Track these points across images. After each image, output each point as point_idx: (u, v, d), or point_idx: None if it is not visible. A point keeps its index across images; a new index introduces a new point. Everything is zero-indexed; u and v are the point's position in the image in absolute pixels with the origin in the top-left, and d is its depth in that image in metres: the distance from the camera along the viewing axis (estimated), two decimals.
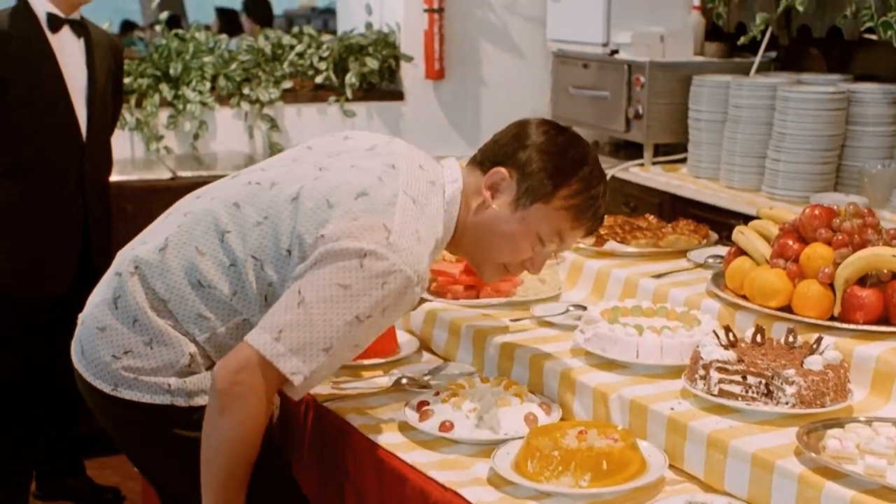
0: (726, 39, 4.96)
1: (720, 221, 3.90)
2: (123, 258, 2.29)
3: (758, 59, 4.73)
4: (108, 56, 3.90)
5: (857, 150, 4.12)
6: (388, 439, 2.29)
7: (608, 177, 4.69)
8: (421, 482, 2.12)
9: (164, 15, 5.51)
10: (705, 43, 5.03)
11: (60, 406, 4.00)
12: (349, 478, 2.34)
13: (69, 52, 3.75)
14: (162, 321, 2.20)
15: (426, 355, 2.78)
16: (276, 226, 2.16)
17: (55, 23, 3.71)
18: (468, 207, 2.28)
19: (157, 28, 5.52)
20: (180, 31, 5.46)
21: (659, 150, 4.94)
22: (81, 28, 3.79)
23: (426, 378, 2.57)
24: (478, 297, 2.81)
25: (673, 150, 4.89)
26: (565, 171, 2.24)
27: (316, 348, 2.06)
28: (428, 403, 2.37)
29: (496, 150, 2.30)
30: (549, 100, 5.48)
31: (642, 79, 4.75)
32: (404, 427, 2.33)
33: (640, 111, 4.77)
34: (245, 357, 2.07)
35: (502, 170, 2.25)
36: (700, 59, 4.90)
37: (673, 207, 4.55)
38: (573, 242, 2.36)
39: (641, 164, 4.87)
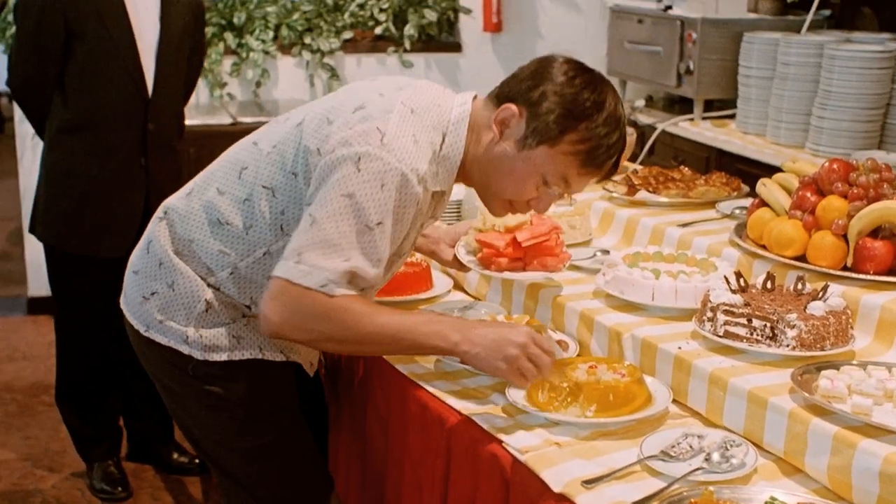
0: None
1: (765, 176, 3.96)
2: (163, 206, 2.41)
3: (809, 17, 4.76)
4: (186, 13, 3.80)
5: None
6: (413, 369, 2.44)
7: (658, 130, 4.85)
8: (440, 408, 2.27)
9: None
10: (759, 0, 5.07)
11: (132, 367, 4.06)
12: (375, 404, 2.50)
13: (143, 7, 3.67)
14: (183, 264, 2.31)
15: (459, 294, 2.92)
16: (283, 152, 2.23)
17: None
18: (479, 140, 2.25)
19: None
20: None
21: (712, 105, 5.00)
22: None
23: (456, 315, 2.71)
24: (524, 270, 2.70)
25: (725, 105, 4.95)
26: (575, 117, 2.17)
27: (335, 259, 2.09)
28: None
29: (513, 86, 2.24)
30: (604, 54, 5.56)
31: (694, 35, 4.81)
32: (429, 358, 2.47)
33: (691, 67, 4.84)
34: (277, 287, 2.12)
35: (513, 107, 2.20)
36: (753, 16, 4.94)
37: (720, 162, 4.63)
38: (582, 187, 2.30)
39: (691, 119, 4.94)
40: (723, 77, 4.84)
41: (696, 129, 4.83)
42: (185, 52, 3.83)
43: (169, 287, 2.32)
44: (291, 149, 2.22)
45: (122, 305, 2.45)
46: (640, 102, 5.31)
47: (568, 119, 2.17)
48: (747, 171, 4.15)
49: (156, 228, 2.38)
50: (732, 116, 4.84)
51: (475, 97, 2.31)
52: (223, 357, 2.32)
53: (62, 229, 3.76)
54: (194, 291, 2.30)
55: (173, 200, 2.39)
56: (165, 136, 3.80)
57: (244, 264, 2.27)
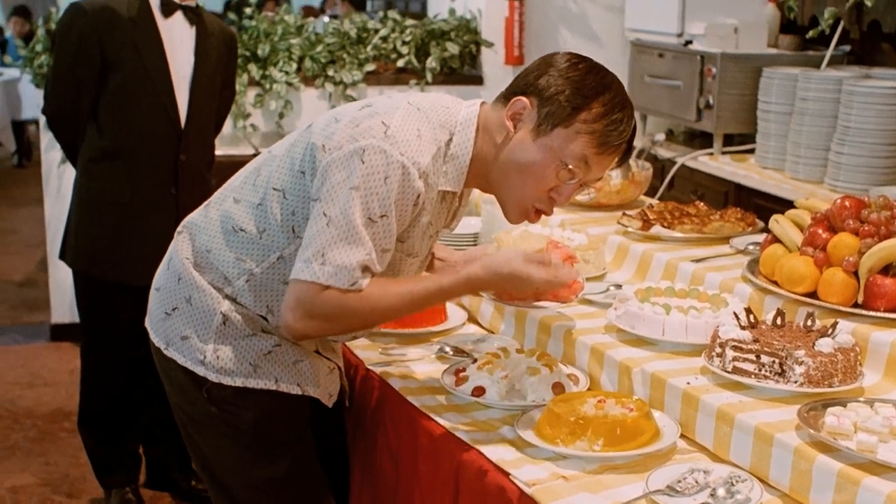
0: (800, 32, 5.01)
1: (782, 211, 3.98)
2: (182, 223, 2.46)
3: (829, 53, 4.78)
4: (220, 47, 3.86)
5: None
6: (425, 401, 2.46)
7: (678, 164, 4.87)
8: (449, 440, 2.29)
9: None
10: (779, 35, 5.10)
11: (155, 393, 3.97)
12: (386, 434, 2.52)
13: (178, 39, 3.73)
14: (200, 277, 2.34)
15: (472, 327, 2.95)
16: (292, 153, 2.28)
17: (168, 8, 3.71)
18: (493, 141, 2.27)
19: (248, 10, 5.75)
20: (270, 13, 5.68)
21: (733, 140, 5.02)
22: (195, 15, 3.77)
23: (469, 348, 2.74)
24: (536, 300, 2.59)
25: (745, 139, 4.97)
26: (585, 94, 2.20)
27: (356, 255, 2.14)
28: (465, 370, 2.53)
29: (519, 82, 2.29)
30: (625, 87, 5.58)
31: (714, 69, 4.84)
32: (441, 391, 2.50)
33: (711, 101, 4.87)
34: (307, 292, 2.15)
35: (523, 98, 2.24)
36: (772, 51, 4.97)
37: (738, 196, 4.65)
38: (601, 172, 2.31)
39: (711, 154, 4.96)
40: (742, 112, 4.87)
41: (716, 163, 4.85)
42: (217, 85, 3.89)
43: (187, 302, 2.35)
44: (300, 149, 2.26)
45: (147, 324, 2.48)
46: (661, 136, 5.33)
47: (578, 97, 2.20)
48: (765, 206, 4.17)
49: (175, 244, 2.43)
50: (752, 151, 4.85)
51: (483, 103, 2.34)
52: (237, 382, 2.33)
53: (92, 256, 3.81)
54: (210, 305, 2.33)
55: (192, 215, 2.45)
56: (196, 167, 3.86)
57: (259, 270, 2.29)
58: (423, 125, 2.22)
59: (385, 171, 2.14)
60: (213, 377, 2.33)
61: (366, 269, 2.16)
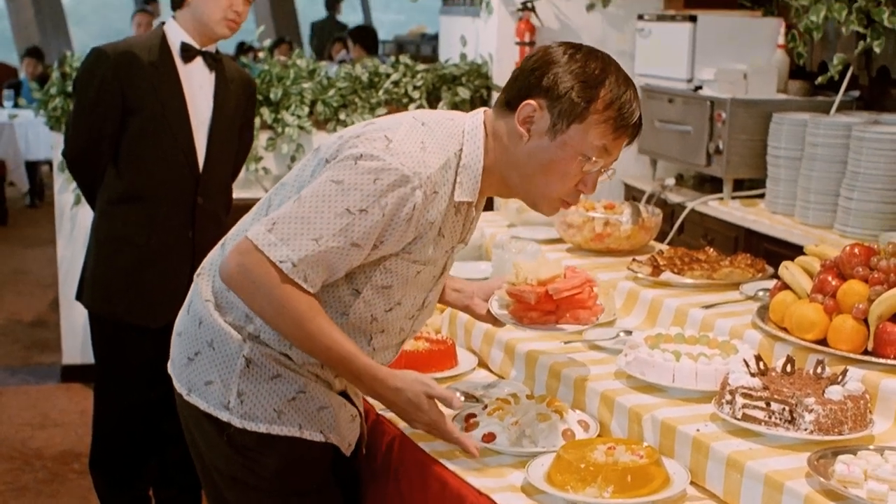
0: (809, 78, 5.05)
1: (792, 257, 3.99)
2: (200, 267, 2.48)
3: (838, 99, 4.81)
4: (239, 92, 3.90)
5: None
6: (435, 447, 2.46)
7: (688, 209, 4.88)
8: (459, 486, 2.29)
9: (268, 42, 5.79)
10: (789, 81, 5.12)
11: (170, 435, 3.97)
12: (397, 480, 2.52)
13: (198, 84, 3.78)
14: (221, 320, 2.34)
15: (483, 372, 2.96)
16: (301, 178, 2.31)
17: (188, 53, 3.74)
18: (505, 147, 2.29)
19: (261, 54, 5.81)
20: (282, 58, 5.73)
21: (743, 185, 5.04)
22: (214, 61, 3.81)
23: (479, 393, 2.74)
24: (556, 324, 2.70)
25: (755, 184, 4.98)
26: (592, 85, 2.22)
27: (305, 237, 2.16)
28: (475, 416, 2.54)
29: (520, 85, 2.28)
30: None
31: (723, 114, 4.86)
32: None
33: (721, 146, 4.89)
34: (243, 246, 2.20)
35: (531, 101, 2.24)
36: (782, 96, 4.99)
37: (748, 241, 4.66)
38: (619, 152, 2.32)
39: (721, 198, 4.97)
40: (752, 157, 4.88)
41: (726, 208, 4.87)
42: (236, 129, 3.93)
43: (209, 346, 2.35)
44: (309, 171, 2.30)
45: (170, 370, 2.48)
46: (671, 181, 5.35)
47: (587, 89, 2.23)
48: (775, 252, 4.18)
49: (195, 287, 2.43)
50: (762, 196, 4.87)
51: (485, 110, 2.36)
52: (261, 428, 2.33)
53: (108, 297, 3.82)
54: (233, 349, 2.33)
55: (209, 256, 2.47)
56: (213, 210, 3.88)
57: None
58: (428, 138, 2.24)
59: (377, 174, 2.17)
60: (237, 422, 2.33)
61: (307, 265, 2.18)
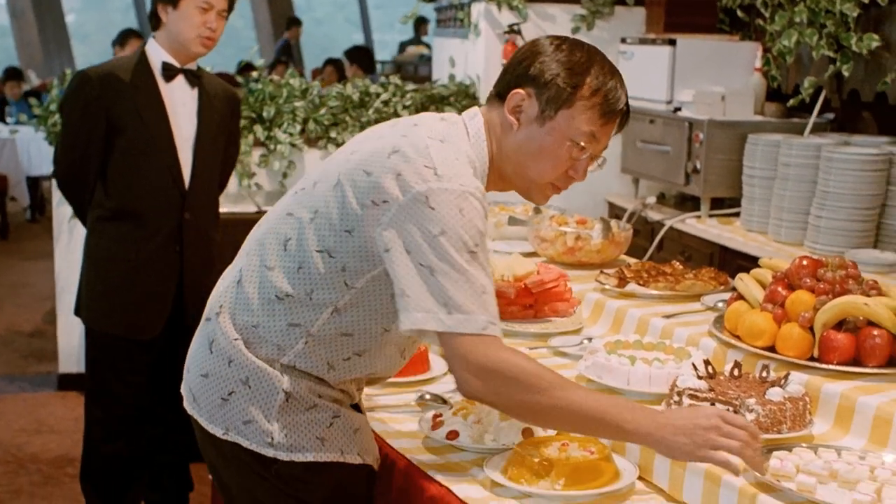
0: (785, 100, 5.20)
1: None
2: (211, 304, 2.42)
3: (811, 121, 4.96)
4: (222, 107, 4.00)
5: None
6: (403, 444, 2.60)
7: (666, 227, 5.03)
8: (422, 479, 2.43)
9: (262, 62, 5.96)
10: (766, 103, 5.28)
11: (161, 447, 4.13)
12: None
13: (180, 102, 3.88)
14: (253, 357, 2.31)
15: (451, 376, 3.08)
16: (328, 215, 2.25)
17: (170, 72, 3.85)
18: (499, 140, 2.34)
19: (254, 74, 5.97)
20: (275, 77, 5.90)
21: (723, 203, 5.18)
22: (196, 78, 3.91)
23: (447, 395, 2.89)
24: (536, 317, 2.82)
25: (733, 203, 5.13)
26: (578, 72, 2.27)
27: (476, 293, 2.16)
28: (442, 415, 2.68)
29: (509, 76, 2.35)
30: (619, 152, 5.77)
31: (701, 135, 5.02)
32: (419, 435, 2.64)
33: (699, 166, 5.04)
34: (455, 348, 2.19)
35: (519, 90, 2.30)
36: (758, 118, 5.15)
37: (723, 258, 4.81)
38: (608, 139, 2.37)
39: (698, 216, 5.13)
40: (729, 176, 5.04)
41: (703, 225, 5.02)
42: (221, 145, 4.03)
43: (244, 384, 2.32)
44: (336, 210, 2.25)
45: (191, 411, 2.42)
46: (652, 199, 5.51)
47: (573, 76, 2.28)
48: (748, 267, 4.28)
49: (215, 327, 2.37)
50: (738, 214, 5.01)
51: (480, 107, 2.42)
52: (308, 458, 2.32)
53: (102, 312, 3.94)
54: (271, 383, 2.30)
55: (225, 294, 2.39)
56: (201, 225, 3.99)
57: (315, 328, 2.28)
58: (454, 153, 2.25)
59: (457, 204, 2.17)
60: (283, 456, 2.31)
61: (492, 310, 2.18)
